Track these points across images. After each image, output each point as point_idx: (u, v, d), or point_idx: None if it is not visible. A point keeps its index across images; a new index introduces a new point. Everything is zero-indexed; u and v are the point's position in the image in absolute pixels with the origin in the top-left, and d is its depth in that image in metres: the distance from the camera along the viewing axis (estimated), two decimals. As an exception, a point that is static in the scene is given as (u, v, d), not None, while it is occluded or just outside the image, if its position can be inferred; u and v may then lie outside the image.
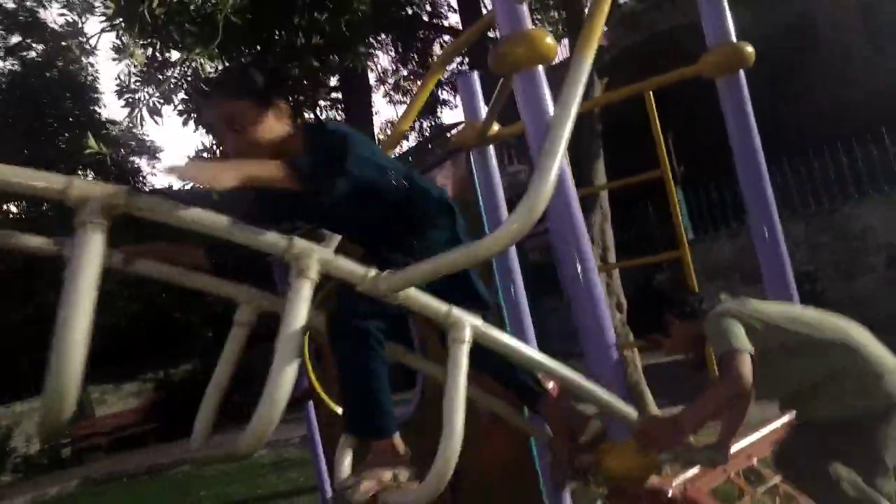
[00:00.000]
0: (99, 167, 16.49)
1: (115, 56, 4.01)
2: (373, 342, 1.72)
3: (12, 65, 16.71)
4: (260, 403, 1.45)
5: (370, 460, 1.75)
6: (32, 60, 16.43)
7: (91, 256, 1.25)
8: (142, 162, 17.46)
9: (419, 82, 14.92)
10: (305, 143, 1.75)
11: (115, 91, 4.24)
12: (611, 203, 5.23)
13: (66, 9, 15.38)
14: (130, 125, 4.21)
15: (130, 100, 4.24)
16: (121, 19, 3.41)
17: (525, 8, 2.16)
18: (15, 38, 16.72)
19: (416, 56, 14.73)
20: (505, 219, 2.98)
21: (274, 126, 1.78)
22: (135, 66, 3.72)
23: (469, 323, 1.63)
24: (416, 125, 15.88)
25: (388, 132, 19.94)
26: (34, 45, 16.51)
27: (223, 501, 7.95)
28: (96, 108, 16.91)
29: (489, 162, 3.07)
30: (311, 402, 4.47)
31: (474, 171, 2.98)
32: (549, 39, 2.08)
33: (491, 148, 3.10)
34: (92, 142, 4.02)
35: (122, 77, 4.28)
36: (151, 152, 17.48)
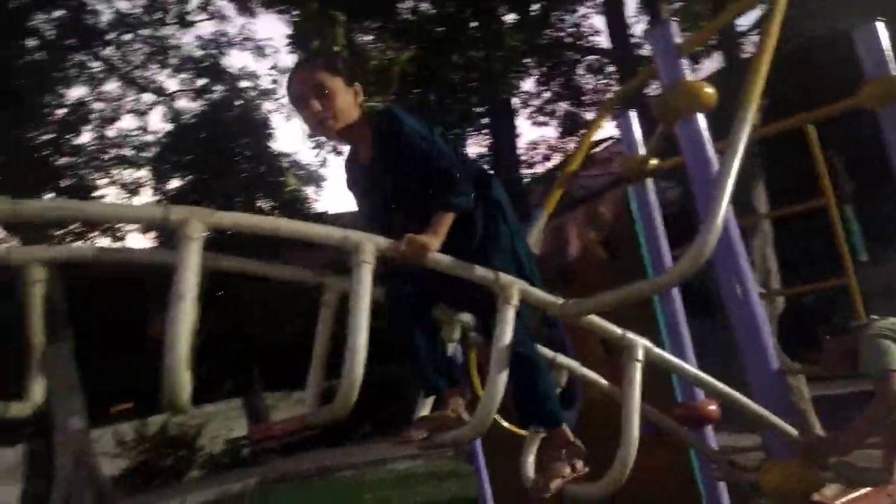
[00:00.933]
0: (275, 195, 18.32)
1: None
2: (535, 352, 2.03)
3: (200, 105, 19.08)
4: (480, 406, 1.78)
5: (550, 454, 2.04)
6: (215, 101, 18.69)
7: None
8: (308, 189, 19.20)
9: (562, 104, 15.13)
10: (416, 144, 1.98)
11: (308, 134, 4.94)
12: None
13: (252, 54, 17.31)
14: (319, 164, 4.79)
15: (317, 142, 4.92)
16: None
17: (684, 60, 2.40)
18: (201, 81, 19.09)
19: (559, 78, 14.95)
20: (664, 250, 3.19)
21: (351, 104, 2.07)
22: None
23: (641, 344, 1.90)
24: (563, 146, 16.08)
25: (531, 154, 20.28)
26: (216, 87, 18.76)
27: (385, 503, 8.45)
28: (269, 143, 18.89)
29: (648, 194, 3.28)
30: None
31: (635, 201, 3.20)
32: (708, 89, 2.31)
33: (650, 180, 3.31)
34: (291, 179, 4.67)
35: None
36: (317, 180, 19.19)
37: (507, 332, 1.76)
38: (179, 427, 15.70)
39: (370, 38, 4.18)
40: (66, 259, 1.77)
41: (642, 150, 3.34)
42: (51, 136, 16.98)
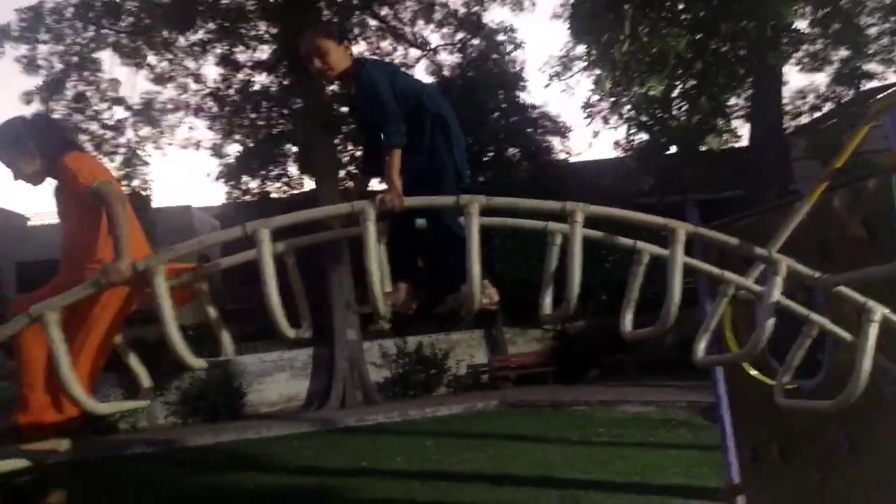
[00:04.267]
0: (523, 144, 19.31)
1: (592, 87, 5.38)
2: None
3: (457, 58, 20.56)
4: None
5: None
6: (471, 55, 20.01)
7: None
8: (554, 140, 19.93)
9: (840, 50, 13.72)
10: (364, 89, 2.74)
11: (581, 106, 5.61)
12: None
13: (511, 8, 18.15)
14: (593, 133, 5.42)
15: (590, 112, 5.59)
16: (598, 61, 4.71)
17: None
18: (459, 35, 20.50)
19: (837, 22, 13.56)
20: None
21: (341, 57, 2.79)
22: (602, 92, 4.97)
23: (879, 310, 2.35)
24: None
25: (796, 103, 18.61)
26: (474, 41, 20.02)
27: (616, 440, 9.09)
28: (520, 94, 19.81)
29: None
30: (719, 368, 4.88)
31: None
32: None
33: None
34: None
35: (588, 96, 5.65)
36: (563, 132, 19.82)
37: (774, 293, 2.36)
38: (431, 348, 17.88)
39: (649, 26, 4.65)
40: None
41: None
42: (335, 87, 19.69)
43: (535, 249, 16.42)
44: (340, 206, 2.63)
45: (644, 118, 6.77)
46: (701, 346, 2.65)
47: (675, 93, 6.02)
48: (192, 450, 12.01)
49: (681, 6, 4.95)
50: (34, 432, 2.73)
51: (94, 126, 17.07)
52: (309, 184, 19.22)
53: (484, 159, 19.30)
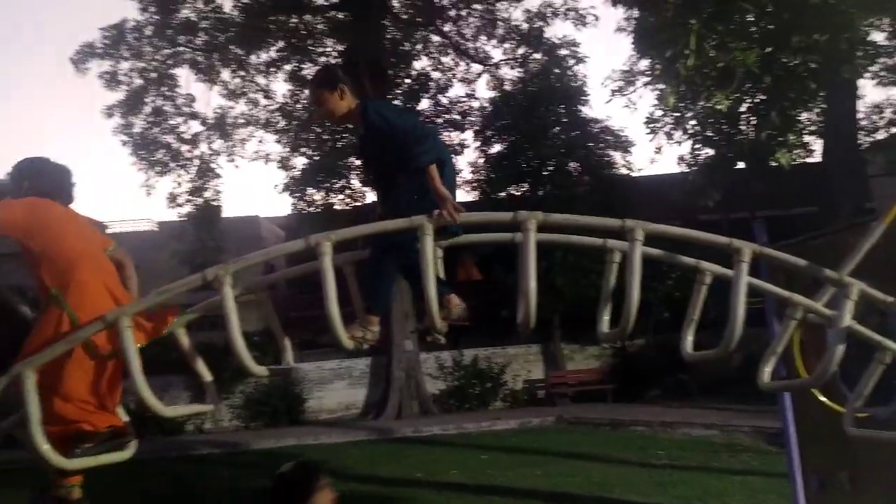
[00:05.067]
0: (582, 159, 19.13)
1: (656, 103, 5.32)
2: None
3: (518, 73, 20.59)
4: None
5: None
6: (533, 69, 20.00)
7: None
8: (615, 155, 19.67)
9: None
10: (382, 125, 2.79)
11: (644, 121, 5.55)
12: None
13: (573, 22, 18.14)
14: (657, 148, 5.35)
15: (654, 127, 5.50)
16: (663, 75, 4.65)
17: None
18: (521, 50, 20.53)
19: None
20: None
21: (337, 102, 2.91)
22: (666, 107, 4.90)
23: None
24: None
25: (872, 118, 17.79)
26: (535, 55, 20.02)
27: (677, 462, 8.83)
28: (581, 108, 19.65)
29: None
30: (787, 393, 4.72)
31: None
32: None
33: None
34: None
35: (652, 112, 5.57)
36: (624, 146, 19.55)
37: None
38: (487, 362, 17.83)
39: (716, 40, 4.56)
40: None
41: None
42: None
43: (595, 265, 16.22)
44: (399, 221, 2.69)
45: (710, 133, 6.63)
46: (767, 371, 2.57)
47: (743, 107, 5.87)
48: (254, 453, 12.33)
49: (749, 19, 4.83)
50: (89, 438, 2.88)
51: (170, 139, 17.83)
52: (371, 196, 19.57)
53: (544, 173, 19.18)
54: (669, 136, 5.27)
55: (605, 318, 2.69)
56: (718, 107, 4.83)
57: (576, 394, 17.41)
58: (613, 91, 5.75)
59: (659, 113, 5.21)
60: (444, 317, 2.86)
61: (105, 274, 3.07)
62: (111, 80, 17.20)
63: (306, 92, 19.45)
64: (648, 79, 5.11)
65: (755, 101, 5.73)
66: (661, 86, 4.72)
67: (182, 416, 12.43)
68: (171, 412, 3.18)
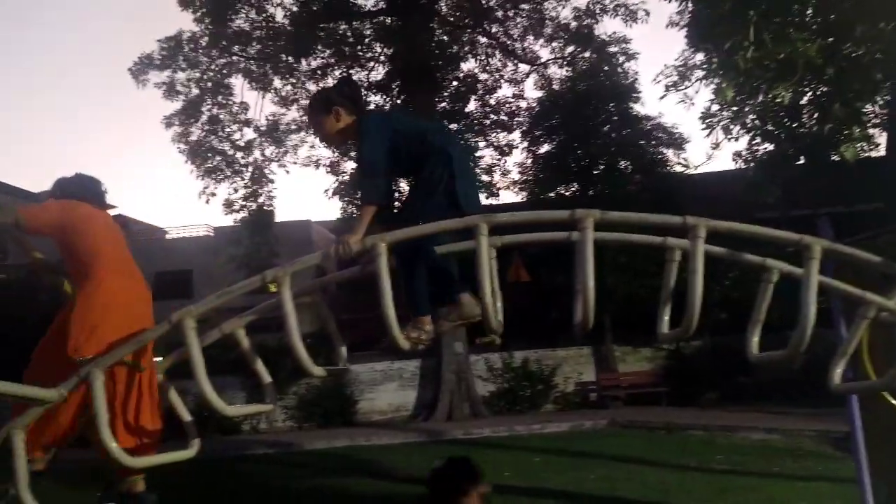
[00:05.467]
0: (634, 158, 18.83)
1: (712, 97, 5.19)
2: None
3: (567, 71, 20.38)
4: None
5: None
6: (582, 67, 19.76)
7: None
8: (668, 152, 19.27)
9: None
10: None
11: (700, 116, 5.41)
12: None
13: (623, 18, 17.86)
14: (713, 144, 5.22)
15: (710, 122, 5.36)
16: (719, 69, 4.53)
17: None
18: (569, 49, 20.31)
19: None
20: None
21: (333, 124, 3.01)
22: (723, 101, 4.78)
23: None
24: None
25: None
26: (584, 53, 19.77)
27: (737, 468, 8.55)
28: (632, 106, 19.32)
29: None
30: (854, 396, 4.56)
31: None
32: None
33: None
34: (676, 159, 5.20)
35: (707, 107, 5.44)
36: (677, 144, 19.13)
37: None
38: (538, 364, 17.68)
39: (775, 31, 4.40)
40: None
41: None
42: (445, 104, 20.07)
43: (648, 265, 15.90)
44: (453, 221, 2.69)
45: (770, 127, 6.41)
46: (837, 372, 2.47)
47: (804, 100, 5.66)
48: (308, 453, 12.53)
49: (809, 10, 4.65)
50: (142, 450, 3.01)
51: (225, 146, 18.31)
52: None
53: (594, 172, 18.92)
54: (727, 130, 5.12)
55: (666, 319, 2.63)
56: (779, 99, 4.66)
57: (628, 396, 17.11)
58: (668, 86, 5.68)
59: (716, 108, 5.07)
60: (457, 316, 2.91)
61: (124, 275, 3.25)
62: (169, 90, 17.76)
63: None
64: (704, 73, 4.98)
65: (817, 93, 5.51)
66: (718, 80, 4.60)
67: (243, 415, 12.75)
68: (232, 411, 3.27)
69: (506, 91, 21.19)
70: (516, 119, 20.63)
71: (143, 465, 2.80)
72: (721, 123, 5.28)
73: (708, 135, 5.33)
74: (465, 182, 2.89)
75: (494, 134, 20.69)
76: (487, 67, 20.23)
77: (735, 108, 5.15)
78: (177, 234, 31.75)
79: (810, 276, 2.22)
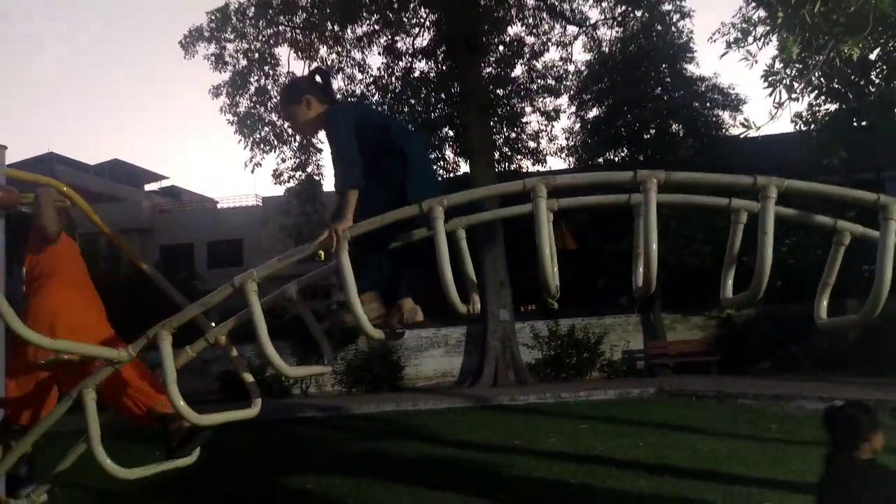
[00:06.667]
0: (687, 121, 18.29)
1: (776, 54, 4.96)
2: None
3: (617, 32, 19.79)
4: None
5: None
6: (633, 28, 19.15)
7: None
8: (724, 114, 18.63)
9: None
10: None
11: (762, 75, 5.19)
12: None
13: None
14: (776, 104, 5.00)
15: (773, 80, 5.13)
16: (784, 24, 4.31)
17: None
18: (619, 9, 19.68)
19: None
20: None
21: (307, 112, 3.09)
22: (788, 57, 4.55)
23: None
24: None
25: None
26: (636, 13, 19.14)
27: (791, 437, 8.37)
28: (686, 67, 18.68)
29: None
30: None
31: None
32: None
33: None
34: (743, 119, 5.01)
35: (770, 63, 5.20)
36: (734, 105, 18.47)
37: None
38: (584, 332, 17.60)
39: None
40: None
41: None
42: (490, 70, 19.77)
43: (699, 232, 15.54)
44: (511, 184, 2.66)
45: (836, 85, 6.10)
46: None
47: (873, 56, 5.36)
48: (356, 417, 12.82)
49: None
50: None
51: (273, 117, 18.49)
52: (463, 167, 19.57)
53: (645, 137, 18.47)
54: (790, 89, 4.86)
55: (729, 283, 2.56)
56: (847, 55, 4.42)
57: (677, 365, 16.93)
58: (729, 43, 5.40)
59: (779, 66, 4.82)
60: (397, 320, 2.96)
61: (72, 288, 3.43)
62: (217, 61, 17.97)
63: (401, 64, 19.60)
64: (767, 29, 4.75)
65: (888, 48, 5.21)
66: (784, 35, 4.37)
67: (303, 376, 13.08)
68: (293, 372, 3.35)
69: (553, 55, 20.91)
70: (564, 83, 20.23)
71: (211, 423, 2.89)
72: (784, 81, 5.04)
73: (770, 93, 5.11)
74: (416, 182, 2.92)
75: (541, 99, 20.36)
76: (534, 31, 19.82)
77: (799, 66, 4.91)
78: (228, 204, 32.42)
79: (887, 237, 2.12)
